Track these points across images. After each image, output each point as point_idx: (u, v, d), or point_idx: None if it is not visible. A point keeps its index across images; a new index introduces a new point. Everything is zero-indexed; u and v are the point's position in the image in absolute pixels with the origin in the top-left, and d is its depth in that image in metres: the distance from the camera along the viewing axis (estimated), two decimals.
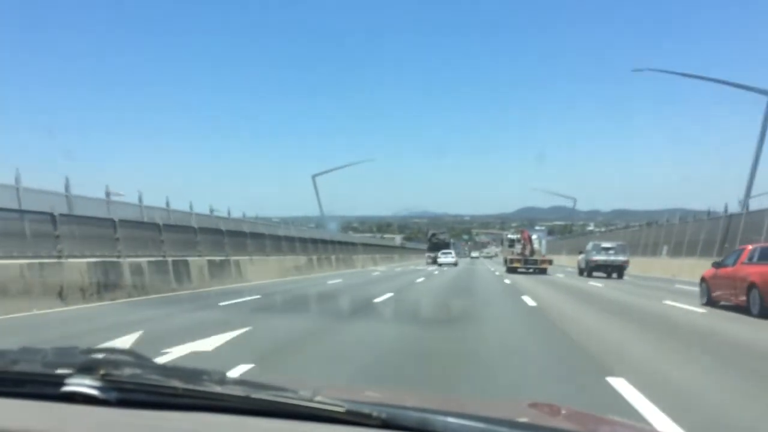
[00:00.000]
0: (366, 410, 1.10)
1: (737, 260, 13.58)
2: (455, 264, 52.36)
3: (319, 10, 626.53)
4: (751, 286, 12.36)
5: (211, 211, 26.90)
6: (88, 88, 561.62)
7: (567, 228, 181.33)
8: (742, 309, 12.59)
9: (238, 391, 1.17)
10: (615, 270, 30.89)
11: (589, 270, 31.51)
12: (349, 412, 1.10)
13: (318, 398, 1.13)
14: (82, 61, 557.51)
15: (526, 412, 1.48)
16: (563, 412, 1.57)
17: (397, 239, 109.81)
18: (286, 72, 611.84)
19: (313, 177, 68.52)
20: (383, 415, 1.09)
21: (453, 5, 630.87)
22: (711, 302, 14.27)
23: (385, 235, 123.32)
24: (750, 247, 13.92)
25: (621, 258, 31.20)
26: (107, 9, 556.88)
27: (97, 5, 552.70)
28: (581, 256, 34.02)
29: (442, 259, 53.73)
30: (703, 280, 15.16)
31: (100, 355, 1.30)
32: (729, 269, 13.69)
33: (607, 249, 31.61)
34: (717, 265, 14.63)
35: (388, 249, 70.48)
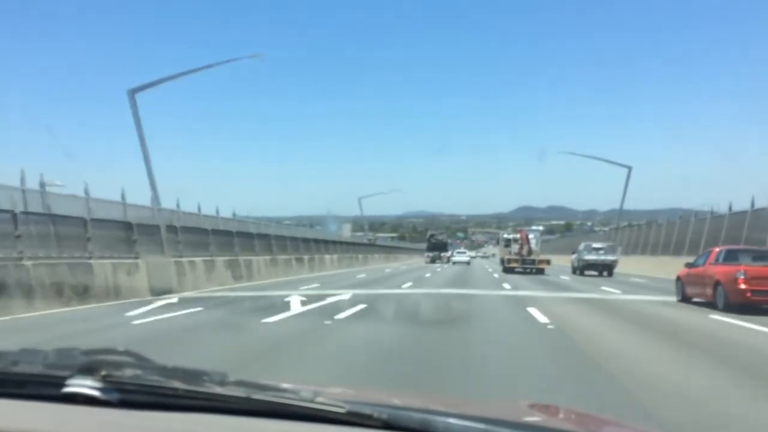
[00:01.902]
0: (367, 411, 1.10)
1: (706, 261, 15.11)
2: (468, 263, 59.04)
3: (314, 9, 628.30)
4: (717, 283, 13.90)
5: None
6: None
7: (568, 226, 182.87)
8: (711, 305, 14.10)
9: (238, 391, 1.17)
10: (605, 268, 32.87)
11: (581, 268, 33.50)
12: (350, 413, 1.11)
13: (319, 399, 1.14)
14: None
15: (526, 413, 1.51)
16: (562, 412, 1.60)
17: (346, 230, 70.45)
18: (285, 74, 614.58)
19: (131, 91, 33.38)
20: (384, 416, 1.09)
21: (450, 4, 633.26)
22: (684, 299, 15.74)
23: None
24: (717, 249, 15.60)
25: (610, 257, 33.21)
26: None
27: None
28: (574, 256, 36.02)
29: (456, 257, 62.68)
30: (678, 279, 16.58)
31: (101, 356, 1.30)
32: (699, 269, 15.18)
33: (597, 249, 33.72)
34: (690, 265, 16.07)
35: (317, 247, 41.56)
